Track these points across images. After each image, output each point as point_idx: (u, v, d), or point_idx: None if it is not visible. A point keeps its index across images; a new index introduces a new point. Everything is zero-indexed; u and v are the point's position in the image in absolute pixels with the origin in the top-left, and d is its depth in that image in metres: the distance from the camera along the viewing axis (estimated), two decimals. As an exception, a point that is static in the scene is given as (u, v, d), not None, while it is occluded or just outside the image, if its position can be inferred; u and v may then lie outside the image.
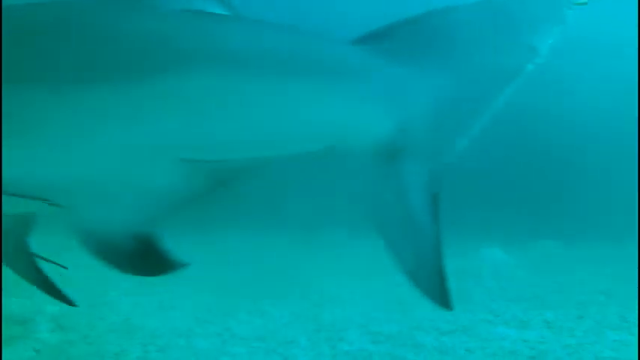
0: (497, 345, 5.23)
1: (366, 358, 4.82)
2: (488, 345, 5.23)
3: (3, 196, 2.02)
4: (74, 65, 2.05)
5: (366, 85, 2.53)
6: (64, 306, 6.26)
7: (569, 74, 19.73)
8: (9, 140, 1.90)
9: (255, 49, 2.30)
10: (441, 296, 2.67)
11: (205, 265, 9.93)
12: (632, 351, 4.97)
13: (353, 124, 2.52)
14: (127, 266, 2.51)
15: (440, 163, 2.74)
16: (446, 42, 2.62)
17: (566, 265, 10.88)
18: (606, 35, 19.37)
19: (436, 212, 2.66)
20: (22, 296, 6.64)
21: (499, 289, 7.70)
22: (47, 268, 2.96)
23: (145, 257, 2.49)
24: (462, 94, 2.70)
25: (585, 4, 2.66)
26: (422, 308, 6.93)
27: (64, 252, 9.84)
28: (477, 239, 12.73)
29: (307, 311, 6.60)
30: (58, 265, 8.95)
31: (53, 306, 6.28)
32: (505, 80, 2.71)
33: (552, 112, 19.73)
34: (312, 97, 2.39)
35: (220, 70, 2.21)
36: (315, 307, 6.81)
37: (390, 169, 2.61)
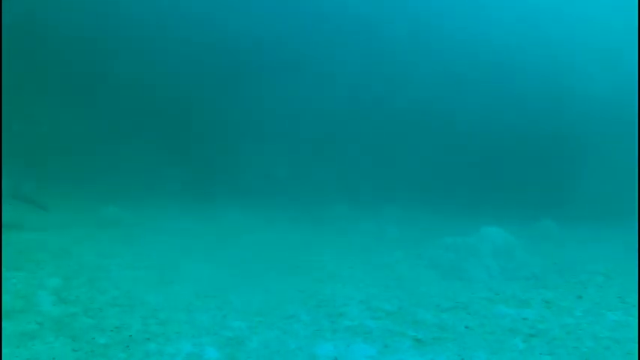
0: (496, 323, 5.25)
1: (366, 334, 4.85)
2: (487, 322, 5.26)
3: None
4: None
5: None
6: (66, 279, 6.32)
7: (573, 64, 19.60)
8: None
9: None
10: None
11: (206, 240, 9.99)
12: (631, 332, 4.99)
13: None
14: None
15: None
16: None
17: (567, 245, 10.92)
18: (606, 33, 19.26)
19: None
20: (24, 270, 6.68)
21: (499, 267, 7.71)
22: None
23: None
24: None
25: None
26: (422, 285, 6.97)
27: (65, 228, 9.86)
28: (479, 218, 12.76)
29: (308, 287, 6.63)
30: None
31: (55, 279, 6.32)
32: None
33: (556, 97, 19.64)
34: None
35: None
36: (315, 283, 6.84)
37: None
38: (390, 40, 20.25)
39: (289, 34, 19.19)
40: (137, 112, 17.64)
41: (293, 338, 4.72)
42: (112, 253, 8.13)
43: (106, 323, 4.92)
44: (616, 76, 18.95)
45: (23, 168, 13.29)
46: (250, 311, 5.48)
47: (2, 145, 13.35)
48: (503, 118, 19.05)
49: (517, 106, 19.38)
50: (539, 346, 4.58)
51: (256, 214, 13.56)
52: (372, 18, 20.01)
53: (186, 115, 18.51)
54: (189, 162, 17.43)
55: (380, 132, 19.75)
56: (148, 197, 15.01)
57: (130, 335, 4.64)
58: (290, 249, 9.36)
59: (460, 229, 9.26)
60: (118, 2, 17.38)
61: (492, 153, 18.89)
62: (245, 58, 19.36)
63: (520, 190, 17.07)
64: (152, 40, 17.90)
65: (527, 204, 15.43)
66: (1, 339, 4.38)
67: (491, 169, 18.33)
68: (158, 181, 16.09)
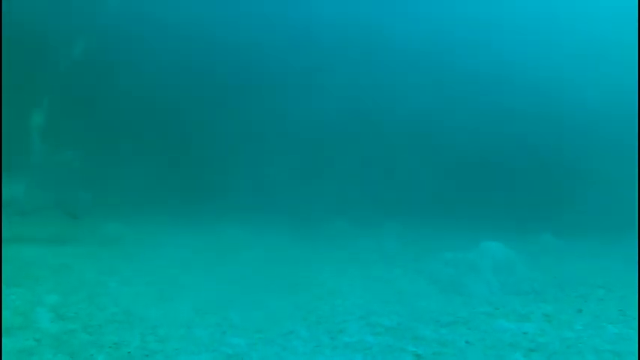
0: (496, 337, 5.23)
1: (366, 350, 4.83)
2: (487, 337, 5.24)
3: None
4: None
5: None
6: (65, 296, 6.29)
7: (572, 75, 19.74)
8: None
9: None
10: None
11: (206, 255, 9.98)
12: (631, 344, 4.98)
13: None
14: None
15: None
16: None
17: (566, 259, 10.91)
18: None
19: None
20: (23, 286, 6.67)
21: (499, 282, 7.70)
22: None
23: None
24: None
25: None
26: (422, 300, 6.96)
27: (64, 243, 9.86)
28: (478, 232, 12.75)
29: (307, 303, 6.61)
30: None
31: (53, 296, 6.31)
32: None
33: (554, 110, 19.75)
34: None
35: None
36: (315, 299, 6.82)
37: None
38: (390, 53, 20.42)
39: (287, 49, 19.35)
40: (133, 127, 17.71)
41: (292, 355, 4.70)
42: (111, 269, 8.12)
43: (104, 340, 4.90)
44: (616, 87, 19.08)
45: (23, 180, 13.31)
46: (249, 328, 5.46)
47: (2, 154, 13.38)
48: (503, 132, 19.13)
49: (516, 120, 19.48)
50: (540, 361, 4.56)
51: (255, 230, 13.55)
52: (371, 33, 20.21)
53: (183, 129, 18.58)
54: (188, 178, 17.46)
55: (379, 147, 19.82)
56: (148, 213, 15.01)
57: (129, 352, 4.62)
58: (289, 265, 9.34)
59: (460, 244, 9.26)
60: (109, 24, 17.53)
61: (491, 167, 18.93)
62: (244, 70, 19.49)
63: (519, 204, 17.09)
64: (147, 52, 18.04)
65: (527, 218, 15.43)
66: (0, 355, 4.36)
67: (490, 183, 18.35)
68: (157, 197, 16.10)
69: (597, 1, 19.45)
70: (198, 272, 8.29)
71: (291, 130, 18.89)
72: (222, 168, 18.30)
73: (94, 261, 8.71)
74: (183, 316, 5.82)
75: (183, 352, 4.68)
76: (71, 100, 17.24)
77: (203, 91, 19.07)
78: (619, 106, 18.78)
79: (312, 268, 9.04)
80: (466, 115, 19.81)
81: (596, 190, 17.21)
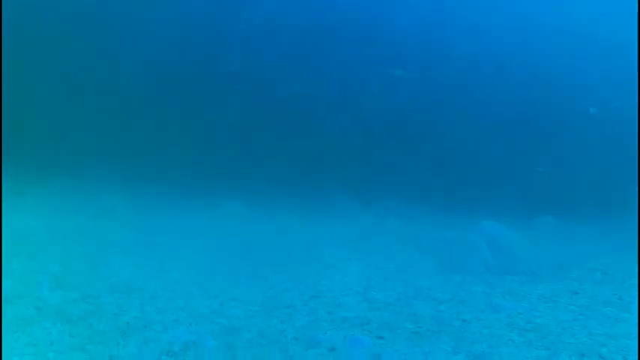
0: (493, 317, 5.27)
1: (364, 325, 4.87)
2: (483, 316, 5.28)
3: None
4: None
5: None
6: (66, 266, 6.34)
7: (574, 57, 19.56)
8: None
9: None
10: None
11: (206, 229, 10.03)
12: (627, 328, 5.01)
13: None
14: None
15: None
16: None
17: (565, 241, 10.94)
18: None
19: None
20: (24, 255, 6.71)
21: (497, 262, 7.73)
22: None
23: None
24: None
25: None
26: (420, 277, 7.00)
27: (66, 214, 9.90)
28: (478, 212, 12.76)
29: (306, 277, 6.65)
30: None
31: (55, 265, 6.36)
32: None
33: (555, 93, 19.60)
34: None
35: None
36: (314, 274, 6.86)
37: None
38: (394, 34, 20.17)
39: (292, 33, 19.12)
40: (135, 101, 17.61)
41: (290, 328, 4.74)
42: (113, 240, 8.16)
43: (104, 310, 4.94)
44: (617, 72, 18.89)
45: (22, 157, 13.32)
46: (248, 300, 5.50)
47: (2, 140, 13.36)
48: (504, 113, 19.01)
49: (517, 101, 19.34)
50: (535, 341, 4.60)
51: (256, 204, 13.57)
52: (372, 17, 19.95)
53: (184, 101, 18.46)
54: (189, 151, 17.42)
55: (381, 123, 19.71)
56: (149, 185, 15.03)
57: (128, 322, 4.66)
58: (289, 239, 9.39)
59: (459, 223, 9.28)
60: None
61: (492, 148, 18.87)
62: (245, 48, 19.29)
63: (520, 185, 17.07)
64: (153, 33, 17.83)
65: (528, 199, 15.43)
66: (0, 323, 4.40)
67: (491, 163, 18.32)
68: (158, 170, 16.10)
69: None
70: (197, 244, 8.33)
71: (292, 105, 18.77)
72: (223, 142, 18.24)
73: (96, 231, 8.76)
74: (182, 287, 5.87)
75: (181, 323, 4.73)
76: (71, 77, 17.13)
77: (203, 68, 18.89)
78: (621, 93, 18.63)
79: (312, 243, 9.09)
80: (469, 96, 19.65)
81: (596, 175, 17.18)
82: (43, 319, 4.60)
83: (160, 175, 15.67)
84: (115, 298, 5.30)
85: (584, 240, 11.29)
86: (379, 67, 19.66)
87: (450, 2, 20.03)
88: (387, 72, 19.10)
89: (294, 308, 5.33)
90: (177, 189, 15.07)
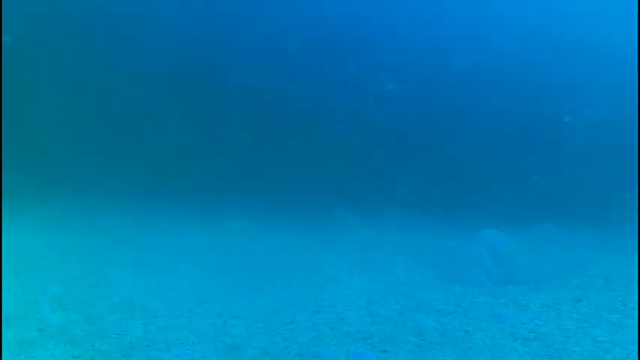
0: (496, 327, 5.26)
1: (366, 339, 4.86)
2: (487, 327, 5.26)
3: None
4: None
5: None
6: (67, 286, 6.32)
7: (573, 62, 19.65)
8: None
9: None
10: None
11: (207, 246, 9.99)
12: (630, 334, 5.00)
13: None
14: None
15: None
16: None
17: (566, 249, 10.91)
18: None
19: None
20: (25, 276, 6.69)
21: (499, 271, 7.72)
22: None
23: None
24: None
25: None
26: (422, 289, 6.98)
27: (65, 234, 9.84)
28: (478, 221, 12.75)
29: (308, 292, 6.64)
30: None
31: (56, 286, 6.33)
32: None
33: (555, 101, 19.69)
34: None
35: None
36: (315, 289, 6.84)
37: None
38: (393, 45, 20.29)
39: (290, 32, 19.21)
40: (136, 118, 17.66)
41: (293, 344, 4.72)
42: (114, 259, 8.14)
43: (106, 330, 4.93)
44: (617, 82, 18.99)
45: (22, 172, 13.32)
46: (250, 317, 5.49)
47: (2, 146, 13.38)
48: (503, 122, 19.07)
49: (516, 110, 19.41)
50: (540, 350, 4.59)
51: (256, 220, 13.56)
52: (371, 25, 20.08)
53: (183, 114, 18.50)
54: (188, 167, 17.43)
55: (379, 138, 19.76)
56: (149, 202, 15.02)
57: (131, 342, 4.65)
58: (290, 254, 9.36)
59: (460, 232, 9.27)
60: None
61: (491, 157, 18.90)
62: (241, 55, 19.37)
63: (519, 192, 17.08)
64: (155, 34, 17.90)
65: (527, 207, 15.43)
66: (1, 346, 4.38)
67: (490, 172, 18.34)
68: (159, 186, 16.10)
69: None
70: (199, 261, 8.31)
71: (291, 117, 18.82)
72: (222, 157, 18.27)
73: (96, 250, 8.73)
74: (185, 305, 5.85)
75: (184, 341, 4.71)
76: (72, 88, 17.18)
77: (203, 84, 18.97)
78: (620, 101, 18.72)
79: (313, 257, 9.06)
80: (468, 106, 19.73)
81: (597, 181, 17.19)
82: (45, 341, 4.58)
83: (160, 192, 15.67)
84: (117, 318, 5.28)
85: (585, 246, 11.26)
86: (378, 79, 19.73)
87: (449, 14, 20.17)
88: (381, 86, 19.15)
89: (296, 324, 5.31)
90: (177, 206, 15.06)
